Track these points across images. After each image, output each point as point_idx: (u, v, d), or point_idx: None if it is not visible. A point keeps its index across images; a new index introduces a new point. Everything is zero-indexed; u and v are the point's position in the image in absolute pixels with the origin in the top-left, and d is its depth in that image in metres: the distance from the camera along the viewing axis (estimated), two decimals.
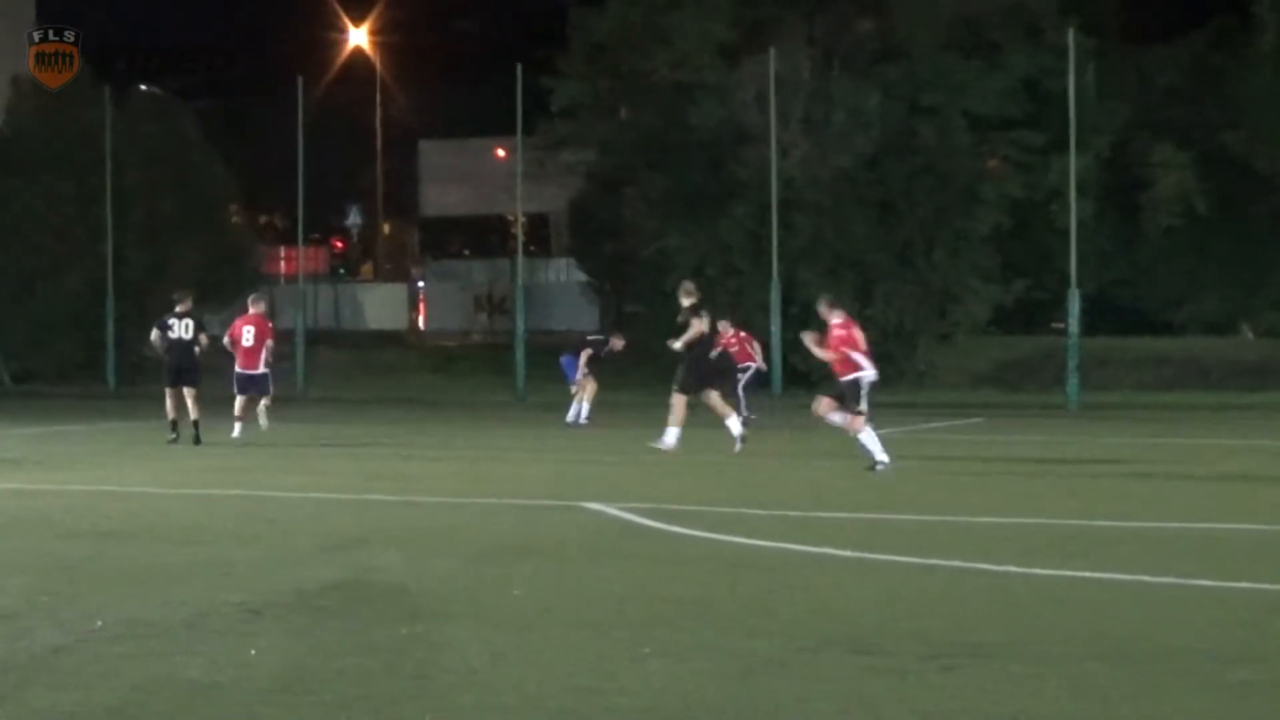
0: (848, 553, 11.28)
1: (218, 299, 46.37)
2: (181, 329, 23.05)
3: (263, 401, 24.36)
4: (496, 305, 62.33)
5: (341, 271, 77.24)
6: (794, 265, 39.23)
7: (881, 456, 17.98)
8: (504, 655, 7.83)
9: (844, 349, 18.35)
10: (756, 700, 6.95)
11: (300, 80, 43.67)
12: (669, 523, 12.99)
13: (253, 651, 7.94)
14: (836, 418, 18.51)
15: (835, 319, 18.72)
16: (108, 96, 45.24)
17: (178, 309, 23.36)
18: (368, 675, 7.46)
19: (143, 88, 54.20)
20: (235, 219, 54.07)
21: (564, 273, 60.24)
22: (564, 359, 27.31)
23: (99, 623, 8.71)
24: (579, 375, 26.54)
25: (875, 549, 11.43)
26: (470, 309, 65.83)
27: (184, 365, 23.01)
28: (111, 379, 42.18)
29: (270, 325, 24.59)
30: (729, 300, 39.71)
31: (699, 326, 20.70)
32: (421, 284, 70.67)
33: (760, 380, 30.31)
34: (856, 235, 40.26)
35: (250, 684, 7.30)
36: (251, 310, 24.58)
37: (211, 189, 49.42)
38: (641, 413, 26.89)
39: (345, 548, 11.77)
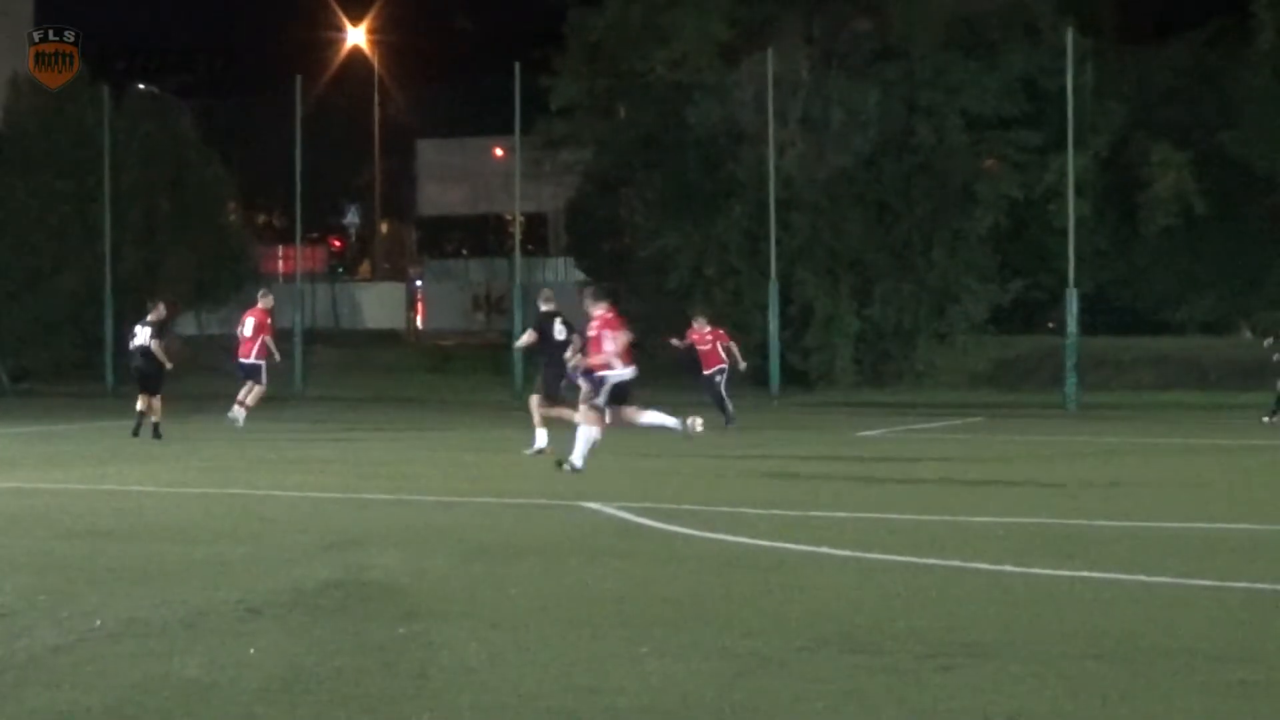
0: (845, 552, 11.29)
1: (214, 298, 46.43)
2: (143, 336, 23.45)
3: (250, 392, 24.98)
4: (494, 304, 62.36)
5: (339, 271, 77.24)
6: (792, 265, 39.25)
7: (578, 461, 17.47)
8: (501, 654, 7.84)
9: (599, 341, 17.99)
10: (753, 699, 6.96)
11: (298, 79, 43.66)
12: (666, 522, 13.00)
13: (251, 650, 7.95)
14: (643, 419, 18.29)
15: (597, 310, 18.34)
16: (106, 96, 45.22)
17: (149, 317, 23.80)
18: (365, 674, 7.47)
19: (140, 87, 54.22)
20: (233, 218, 54.07)
21: (562, 272, 60.26)
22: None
23: (98, 622, 8.72)
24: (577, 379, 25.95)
25: (872, 548, 11.44)
26: (468, 308, 65.86)
27: (144, 371, 23.44)
28: (109, 378, 42.18)
29: (269, 321, 25.70)
30: (727, 299, 39.75)
31: (532, 336, 20.64)
32: (419, 283, 70.68)
33: (757, 379, 30.05)
34: (854, 235, 40.29)
35: (248, 683, 7.31)
36: (259, 304, 26.28)
37: (209, 188, 49.45)
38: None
39: (342, 546, 11.77)
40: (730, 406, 26.12)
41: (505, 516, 13.92)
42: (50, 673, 7.57)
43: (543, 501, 14.82)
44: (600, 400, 17.79)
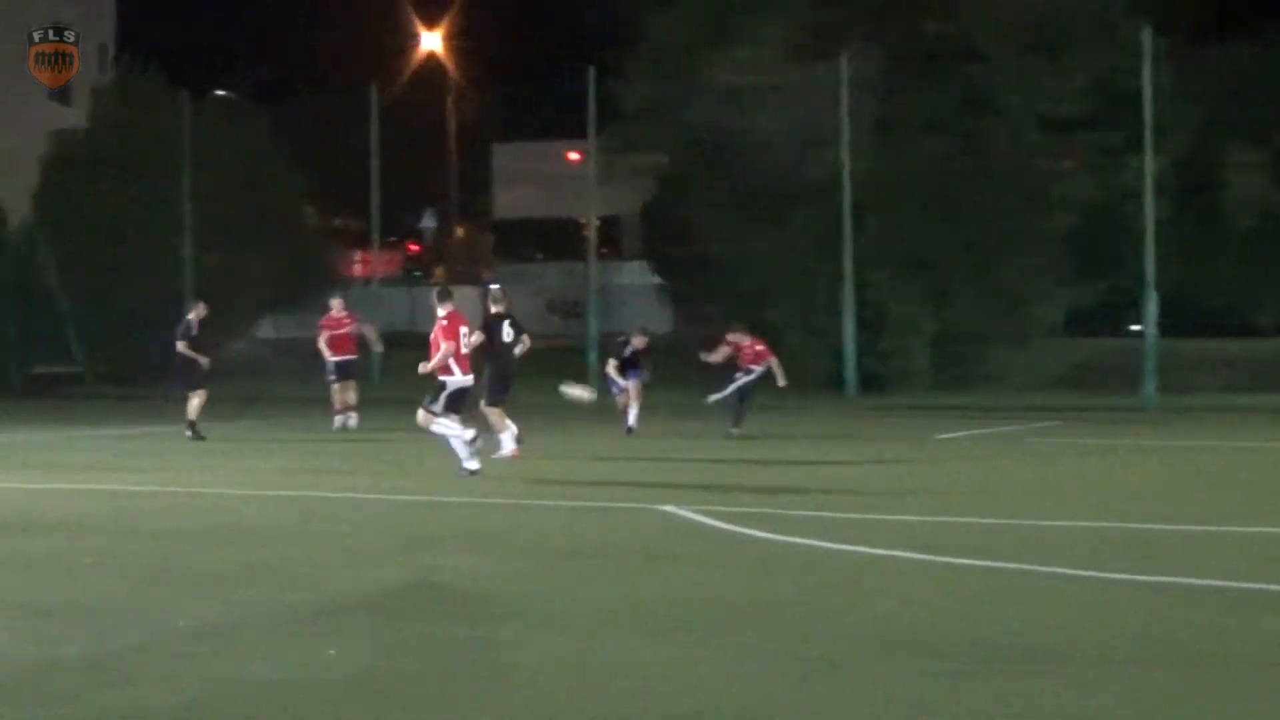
0: (915, 555, 11.31)
1: (292, 301, 46.77)
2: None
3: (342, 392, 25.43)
4: (569, 308, 62.46)
5: (416, 274, 77.62)
6: (866, 267, 39.15)
7: (470, 465, 17.46)
8: (568, 658, 7.93)
9: (446, 345, 17.85)
10: (816, 704, 7.01)
11: (374, 84, 43.98)
12: (737, 524, 13.05)
13: (331, 652, 8.06)
14: (436, 428, 17.88)
15: (441, 311, 18.29)
16: (185, 101, 45.73)
17: (188, 316, 24.18)
18: (435, 676, 7.57)
19: (218, 93, 54.70)
20: (310, 222, 54.44)
21: (636, 275, 60.31)
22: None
23: (180, 623, 8.88)
24: (618, 385, 25.48)
25: (939, 551, 11.45)
26: (542, 312, 66.02)
27: (177, 370, 24.31)
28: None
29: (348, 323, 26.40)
30: (800, 302, 39.67)
31: (480, 337, 20.12)
32: (494, 287, 70.89)
33: (833, 382, 29.27)
34: (928, 237, 40.12)
35: (323, 684, 7.43)
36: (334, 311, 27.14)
37: (286, 192, 49.82)
38: (712, 413, 26.66)
39: (415, 548, 11.90)
40: (742, 414, 24.40)
41: (578, 519, 14.01)
42: (129, 671, 7.73)
43: (617, 504, 14.90)
44: (437, 407, 17.67)
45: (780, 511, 14.14)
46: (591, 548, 11.98)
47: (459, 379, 17.88)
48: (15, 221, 46.72)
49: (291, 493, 16.40)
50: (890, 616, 8.95)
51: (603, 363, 26.06)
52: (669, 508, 14.26)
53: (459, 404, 17.96)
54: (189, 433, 23.53)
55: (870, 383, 38.49)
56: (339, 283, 48.12)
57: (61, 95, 55.77)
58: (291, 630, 8.73)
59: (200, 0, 63.33)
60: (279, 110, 55.04)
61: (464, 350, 18.08)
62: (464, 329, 18.26)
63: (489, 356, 20.32)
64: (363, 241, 62.80)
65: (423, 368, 18.09)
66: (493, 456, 19.49)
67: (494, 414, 20.17)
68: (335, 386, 26.32)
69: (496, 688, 7.34)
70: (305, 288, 46.15)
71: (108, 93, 48.37)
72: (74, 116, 50.76)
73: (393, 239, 69.15)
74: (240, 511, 14.84)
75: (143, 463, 20.56)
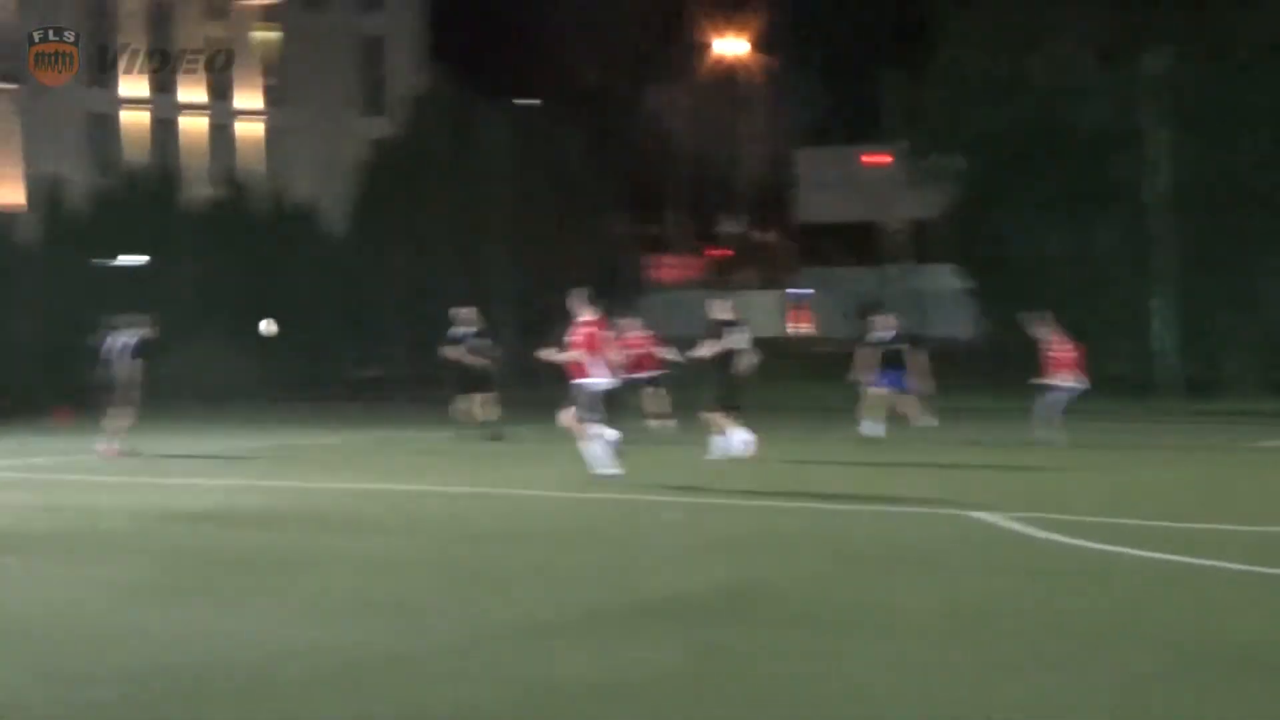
0: (1237, 566, 10.97)
1: (598, 308, 47.24)
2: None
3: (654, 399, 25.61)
4: (874, 311, 62.00)
5: (720, 278, 77.98)
6: (1178, 270, 38.12)
7: (608, 469, 17.37)
8: (884, 664, 7.90)
9: (583, 350, 17.66)
10: (1134, 715, 6.86)
11: (678, 90, 44.42)
12: (1050, 531, 12.82)
13: (649, 652, 8.17)
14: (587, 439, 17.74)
15: (584, 316, 18.09)
16: (493, 110, 46.85)
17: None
18: (750, 680, 7.61)
19: (525, 101, 55.82)
20: (616, 228, 55.16)
21: (941, 279, 59.67)
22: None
23: (496, 621, 9.10)
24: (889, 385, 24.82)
25: (1265, 562, 11.07)
26: (848, 315, 65.72)
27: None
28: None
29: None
30: (1113, 306, 38.80)
31: (725, 343, 20.30)
32: (801, 291, 70.87)
33: (1150, 388, 27.90)
34: (1245, 238, 38.87)
35: (642, 683, 7.54)
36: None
37: (591, 198, 50.61)
38: (1017, 418, 26.10)
39: (723, 549, 11.98)
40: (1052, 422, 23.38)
41: (887, 523, 13.95)
42: (451, 669, 7.96)
43: (928, 510, 14.76)
44: (590, 413, 17.61)
45: (1090, 519, 13.81)
46: (899, 553, 11.90)
47: (598, 381, 17.90)
48: (332, 229, 48.22)
49: (600, 495, 16.61)
50: (1216, 629, 8.70)
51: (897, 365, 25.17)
52: (980, 514, 14.06)
53: (600, 405, 17.96)
54: (479, 434, 24.10)
55: (1185, 387, 37.44)
56: (645, 289, 48.63)
57: (374, 105, 57.63)
58: (606, 631, 8.87)
59: (510, 9, 64.48)
60: (585, 116, 55.88)
61: (612, 356, 18.21)
62: (605, 333, 18.38)
63: (717, 363, 20.44)
64: (666, 246, 63.39)
65: (550, 354, 18.24)
66: (709, 458, 19.87)
67: (718, 418, 20.28)
68: (648, 393, 26.34)
69: (824, 693, 7.35)
70: (612, 294, 46.72)
71: (419, 102, 49.78)
72: (386, 127, 52.32)
73: (697, 243, 69.64)
74: (548, 513, 15.17)
75: (461, 465, 21.05)
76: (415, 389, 45.50)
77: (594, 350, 17.90)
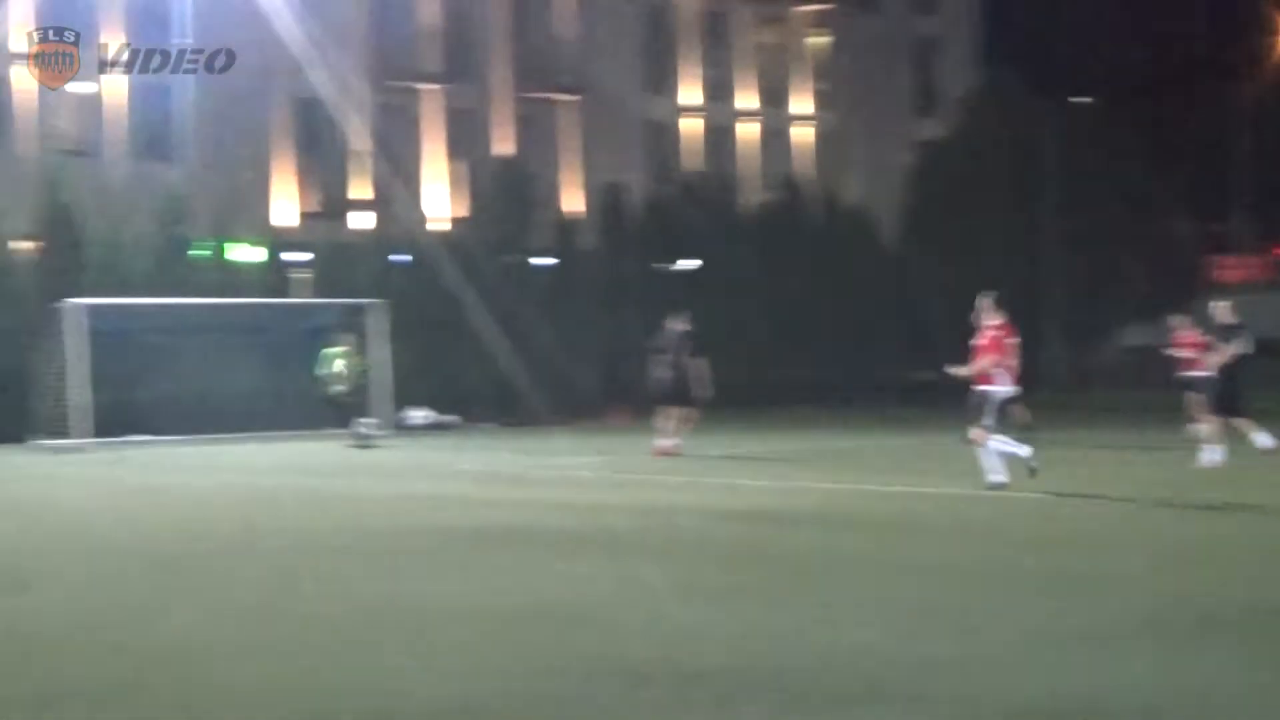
0: None
1: (1160, 309, 45.85)
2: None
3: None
4: None
5: None
6: None
7: (997, 477, 16.74)
8: None
9: (988, 357, 17.02)
10: None
11: (1242, 83, 42.60)
12: None
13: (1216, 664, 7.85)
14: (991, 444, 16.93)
15: (992, 321, 17.31)
16: (1048, 109, 46.12)
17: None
18: None
19: (1079, 99, 54.59)
20: (1180, 228, 53.30)
21: None
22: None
23: (1042, 627, 8.89)
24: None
25: None
26: None
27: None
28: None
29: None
30: None
31: (1233, 349, 20.09)
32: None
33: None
34: None
35: (1201, 696, 7.21)
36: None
37: (1153, 197, 49.07)
38: None
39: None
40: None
41: None
42: (995, 671, 7.79)
43: None
44: (987, 420, 16.91)
45: None
46: None
47: (1001, 389, 17.40)
48: (882, 231, 48.24)
49: (1103, 501, 16.23)
50: None
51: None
52: None
53: (1003, 415, 17.69)
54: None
55: None
56: (1206, 290, 46.69)
57: (925, 107, 57.47)
58: (1172, 639, 8.54)
59: (1065, 5, 63.14)
60: (1143, 113, 54.26)
61: (1008, 362, 17.70)
62: (1011, 339, 17.89)
63: (1221, 368, 20.34)
64: (1229, 245, 60.85)
65: (955, 370, 17.73)
66: (1202, 465, 19.66)
67: (1218, 423, 20.25)
68: (1190, 397, 24.99)
69: None
70: (1171, 295, 45.21)
71: (972, 103, 49.44)
72: (936, 129, 52.11)
73: (1263, 243, 66.44)
74: (1058, 516, 14.96)
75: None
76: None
77: (1000, 356, 17.54)
